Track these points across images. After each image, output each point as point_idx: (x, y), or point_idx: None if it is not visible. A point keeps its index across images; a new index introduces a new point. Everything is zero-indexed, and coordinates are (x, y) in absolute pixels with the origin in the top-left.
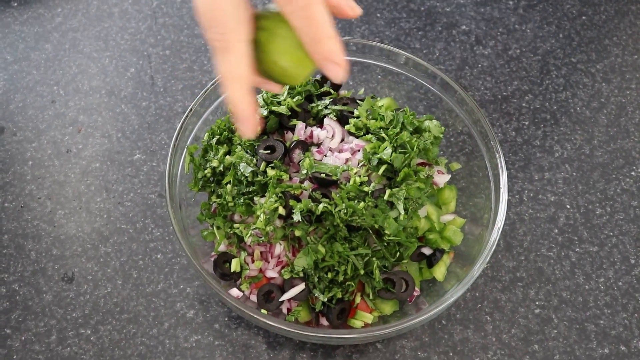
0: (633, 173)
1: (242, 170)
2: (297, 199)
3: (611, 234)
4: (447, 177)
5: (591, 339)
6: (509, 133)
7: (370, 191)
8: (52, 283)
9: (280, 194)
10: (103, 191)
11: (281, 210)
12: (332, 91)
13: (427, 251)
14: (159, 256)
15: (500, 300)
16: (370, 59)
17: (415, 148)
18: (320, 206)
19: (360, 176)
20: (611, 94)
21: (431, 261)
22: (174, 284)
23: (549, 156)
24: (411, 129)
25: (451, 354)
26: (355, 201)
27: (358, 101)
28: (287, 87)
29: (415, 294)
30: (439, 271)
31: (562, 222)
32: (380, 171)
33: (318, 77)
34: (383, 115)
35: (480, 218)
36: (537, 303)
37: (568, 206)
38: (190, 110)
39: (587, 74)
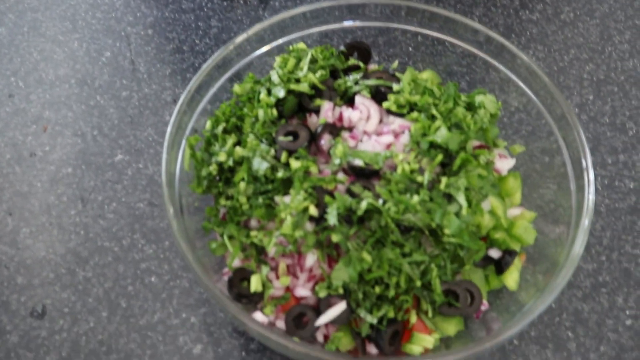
0: None
1: (256, 167)
2: (332, 195)
3: None
4: (512, 161)
5: None
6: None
7: (425, 181)
8: (18, 320)
9: (309, 190)
10: (78, 202)
11: (312, 211)
12: (361, 64)
13: (495, 254)
14: (152, 279)
15: (583, 311)
16: (398, 22)
17: (472, 127)
18: (364, 203)
19: (409, 163)
20: None
21: (500, 266)
22: (174, 313)
23: (621, 135)
24: (463, 105)
25: None
26: (408, 195)
27: (396, 74)
28: (307, 60)
29: (483, 308)
30: (511, 278)
31: None
32: (437, 160)
33: (342, 48)
34: (431, 89)
35: (552, 212)
36: (627, 312)
37: None
38: (189, 92)
39: None
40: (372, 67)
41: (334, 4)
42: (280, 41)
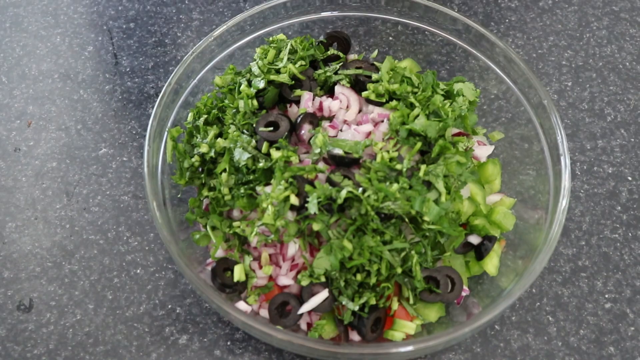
0: None
1: (237, 158)
2: (312, 184)
3: None
4: (490, 148)
5: None
6: (550, 96)
7: (404, 169)
8: (5, 314)
9: (290, 180)
10: (63, 196)
11: (293, 200)
12: (340, 55)
13: (474, 240)
14: (138, 271)
15: (562, 295)
16: (378, 12)
17: (450, 114)
18: (343, 192)
19: (388, 151)
20: None
21: (480, 252)
22: (160, 304)
23: (600, 121)
24: (441, 93)
25: None
26: (387, 183)
27: (375, 63)
28: (287, 51)
29: (463, 294)
30: (491, 264)
31: (625, 197)
32: (416, 148)
33: (322, 38)
34: (410, 78)
35: (531, 198)
36: (606, 296)
37: (629, 178)
38: (169, 84)
39: (632, 23)
40: (352, 56)
41: None
42: (260, 32)
